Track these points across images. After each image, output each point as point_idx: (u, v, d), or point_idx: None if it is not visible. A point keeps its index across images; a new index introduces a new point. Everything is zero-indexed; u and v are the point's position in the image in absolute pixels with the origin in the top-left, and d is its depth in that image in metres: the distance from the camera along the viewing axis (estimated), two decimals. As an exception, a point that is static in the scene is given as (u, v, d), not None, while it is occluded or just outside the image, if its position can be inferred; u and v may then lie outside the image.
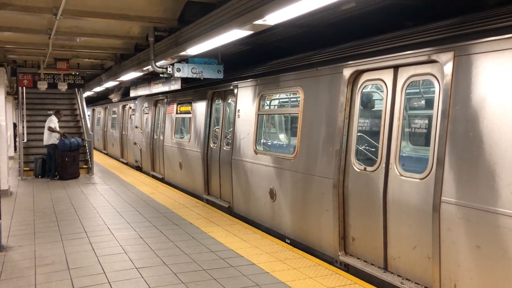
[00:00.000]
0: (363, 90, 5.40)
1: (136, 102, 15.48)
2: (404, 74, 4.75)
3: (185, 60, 8.37)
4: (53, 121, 12.93)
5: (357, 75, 5.38)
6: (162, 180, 12.51)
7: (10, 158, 18.49)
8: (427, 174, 4.36)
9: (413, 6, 5.68)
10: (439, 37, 4.32)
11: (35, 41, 10.62)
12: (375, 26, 6.17)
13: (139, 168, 14.95)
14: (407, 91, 4.79)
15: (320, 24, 6.89)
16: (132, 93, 14.24)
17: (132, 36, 9.92)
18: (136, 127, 15.17)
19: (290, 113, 8.36)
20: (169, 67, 8.45)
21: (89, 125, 15.06)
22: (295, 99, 7.60)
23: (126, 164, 16.84)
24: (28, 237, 6.66)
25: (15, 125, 19.46)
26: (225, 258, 5.63)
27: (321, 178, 5.79)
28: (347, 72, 5.42)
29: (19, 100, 15.23)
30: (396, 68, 4.84)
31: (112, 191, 10.64)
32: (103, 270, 5.21)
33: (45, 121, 13.18)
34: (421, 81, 5.19)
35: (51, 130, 12.81)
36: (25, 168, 13.20)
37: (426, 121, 4.84)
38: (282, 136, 9.87)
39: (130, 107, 16.48)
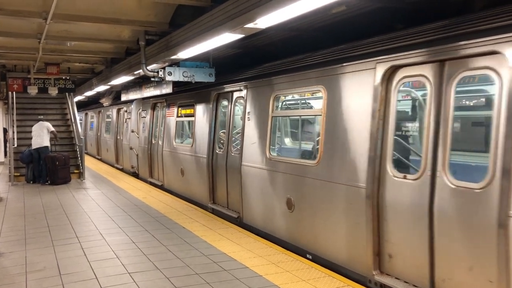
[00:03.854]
0: (401, 88, 4.79)
1: (132, 105, 14.89)
2: (453, 69, 4.11)
3: (177, 63, 8.36)
4: (51, 125, 13.05)
5: (393, 71, 4.75)
6: (161, 187, 11.83)
7: (0, 163, 18.37)
8: (488, 183, 3.75)
9: (402, 9, 5.73)
10: (502, 23, 3.73)
11: (25, 46, 10.58)
12: (366, 29, 6.20)
13: (135, 175, 14.28)
14: (457, 88, 4.16)
15: (322, 26, 6.81)
16: (124, 97, 14.17)
17: (123, 40, 9.91)
18: (132, 132, 14.49)
19: (310, 115, 7.77)
20: (160, 71, 8.45)
21: (80, 130, 14.97)
22: (316, 100, 7.07)
23: (122, 170, 16.11)
24: (19, 243, 6.60)
25: (5, 130, 19.29)
26: (217, 262, 5.61)
27: (350, 187, 5.14)
28: (381, 68, 4.77)
29: (9, 105, 15.12)
30: (442, 62, 4.22)
31: (104, 196, 10.57)
32: (95, 275, 5.17)
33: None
34: (476, 77, 4.58)
35: (55, 134, 13.03)
36: (15, 174, 13.08)
37: (483, 122, 4.32)
38: (300, 141, 9.06)
39: (126, 111, 15.83)
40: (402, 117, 4.97)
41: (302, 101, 8.31)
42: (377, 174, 4.78)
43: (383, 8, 5.67)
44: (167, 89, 10.07)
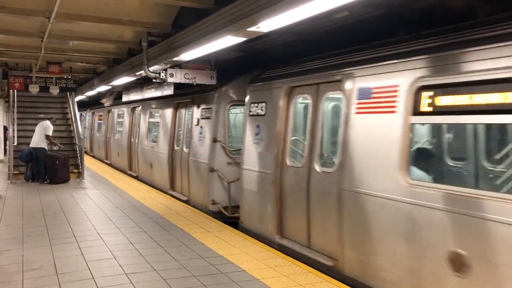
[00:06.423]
0: None
1: (215, 96, 9.01)
2: None
3: (178, 65, 8.38)
4: (50, 128, 12.87)
5: None
6: (333, 272, 5.38)
7: (0, 161, 18.36)
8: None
9: (404, 16, 5.73)
10: None
11: (27, 44, 10.60)
12: (369, 35, 6.20)
13: (226, 219, 8.33)
14: None
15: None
16: (125, 98, 14.16)
17: (125, 40, 9.93)
18: (215, 141, 8.89)
19: None
20: (162, 72, 8.47)
21: (80, 129, 14.94)
22: None
23: (187, 202, 9.87)
24: (16, 241, 6.59)
25: (5, 128, 19.31)
26: (215, 265, 5.60)
27: None
28: None
29: (10, 103, 15.15)
30: None
31: (102, 196, 10.55)
32: (92, 275, 5.16)
33: (35, 124, 13.09)
34: None
35: (49, 139, 12.82)
36: (15, 172, 13.07)
37: None
38: None
39: (199, 106, 9.64)
40: None
41: None
42: None
43: (385, 14, 5.67)
44: (169, 91, 10.07)
